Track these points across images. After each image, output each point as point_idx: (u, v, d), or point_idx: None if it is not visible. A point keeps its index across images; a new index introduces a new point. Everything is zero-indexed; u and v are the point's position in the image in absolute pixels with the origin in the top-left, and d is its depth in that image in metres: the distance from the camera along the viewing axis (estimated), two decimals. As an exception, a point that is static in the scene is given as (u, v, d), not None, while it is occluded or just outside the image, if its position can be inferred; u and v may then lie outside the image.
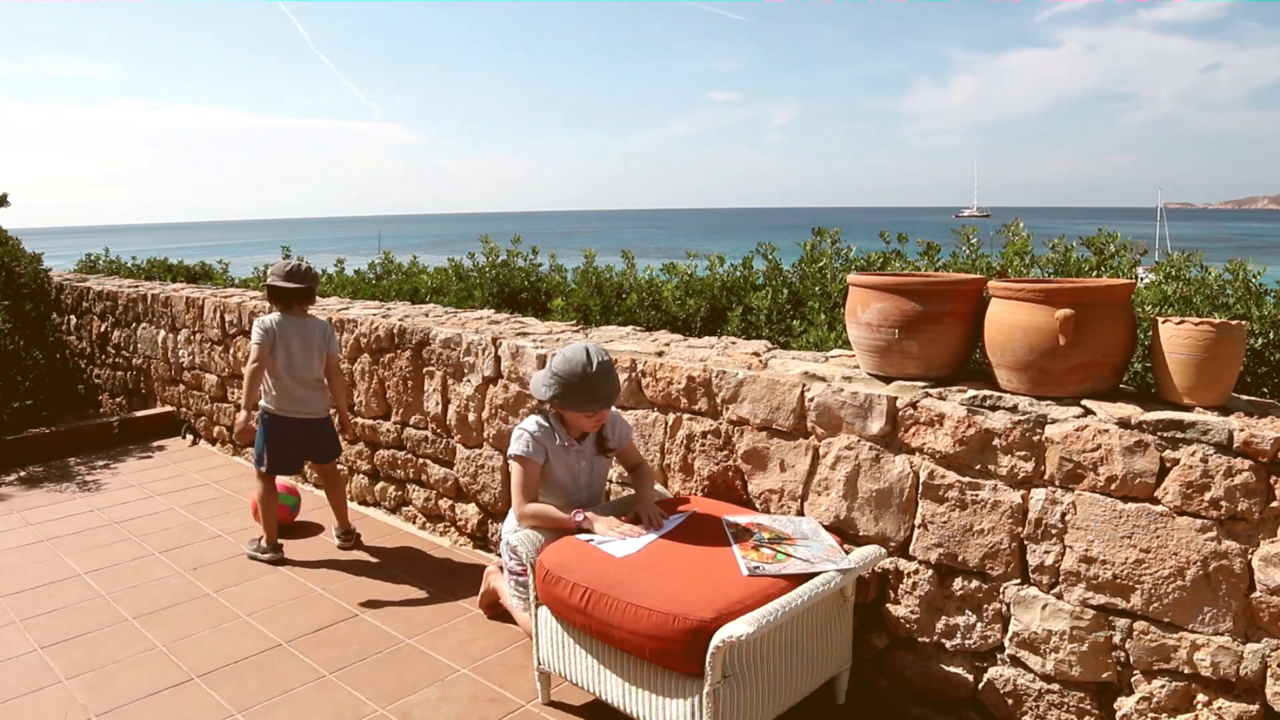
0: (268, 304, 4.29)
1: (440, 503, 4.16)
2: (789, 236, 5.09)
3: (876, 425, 2.55)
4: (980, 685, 2.47)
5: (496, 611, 3.28)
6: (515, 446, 2.80)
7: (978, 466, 2.38)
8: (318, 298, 5.32)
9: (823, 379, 2.71)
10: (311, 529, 4.28)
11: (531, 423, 2.84)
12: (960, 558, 2.44)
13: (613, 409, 2.95)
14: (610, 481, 3.35)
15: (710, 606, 2.18)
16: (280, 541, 3.95)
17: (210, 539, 4.17)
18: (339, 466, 4.18)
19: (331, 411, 3.98)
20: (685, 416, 3.06)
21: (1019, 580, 2.36)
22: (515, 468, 2.80)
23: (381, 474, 4.49)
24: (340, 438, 4.08)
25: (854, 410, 2.59)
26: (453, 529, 4.12)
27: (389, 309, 4.69)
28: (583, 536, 2.63)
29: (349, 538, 4.04)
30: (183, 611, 3.41)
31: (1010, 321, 2.34)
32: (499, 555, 3.85)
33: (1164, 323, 2.21)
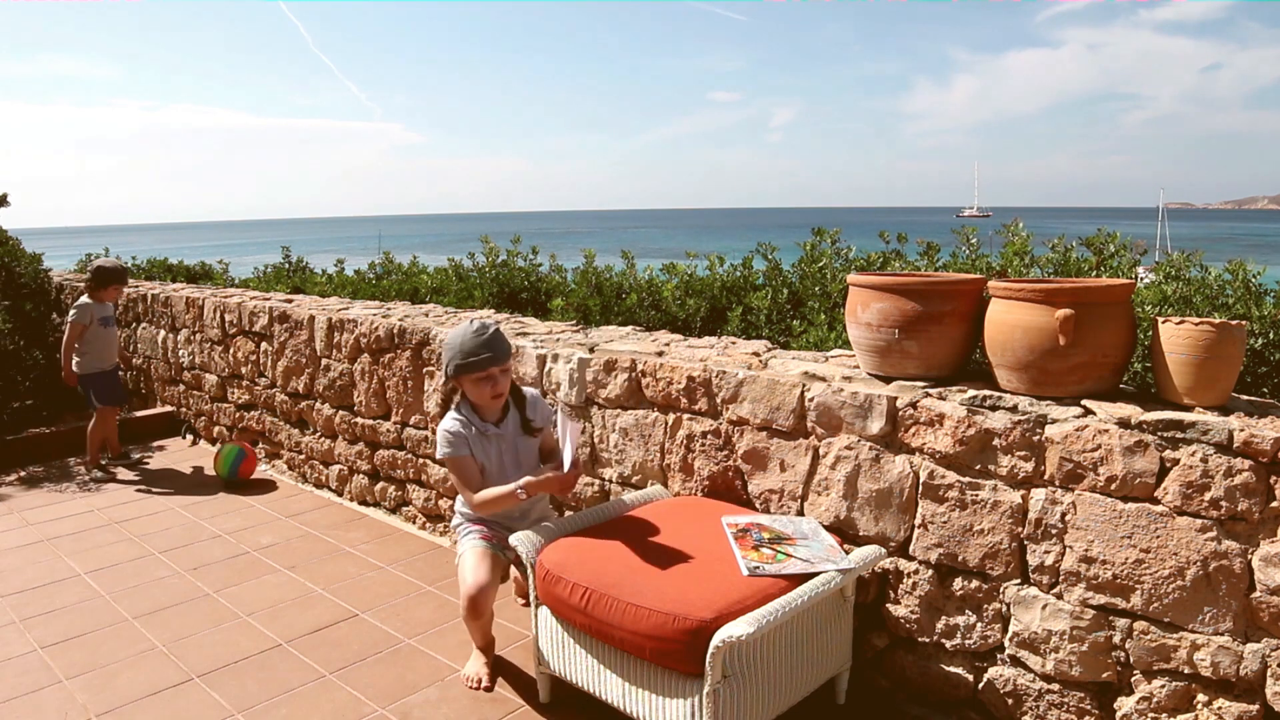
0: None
1: (440, 502, 4.16)
2: (789, 236, 5.09)
3: (876, 425, 2.55)
4: (980, 685, 2.47)
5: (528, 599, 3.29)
6: (440, 450, 2.84)
7: (978, 466, 2.38)
8: (319, 298, 5.37)
9: (823, 379, 2.71)
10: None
11: (448, 420, 2.87)
12: (960, 558, 2.45)
13: (534, 391, 3.02)
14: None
15: (710, 606, 2.18)
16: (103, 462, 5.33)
17: (210, 539, 4.18)
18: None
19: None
20: (685, 416, 3.06)
21: (1019, 580, 2.36)
22: (450, 468, 2.85)
23: (381, 474, 4.49)
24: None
25: (854, 410, 2.59)
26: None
27: (389, 309, 4.69)
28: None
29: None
30: (183, 611, 3.41)
31: (1010, 321, 2.34)
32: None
33: (1164, 323, 2.21)
